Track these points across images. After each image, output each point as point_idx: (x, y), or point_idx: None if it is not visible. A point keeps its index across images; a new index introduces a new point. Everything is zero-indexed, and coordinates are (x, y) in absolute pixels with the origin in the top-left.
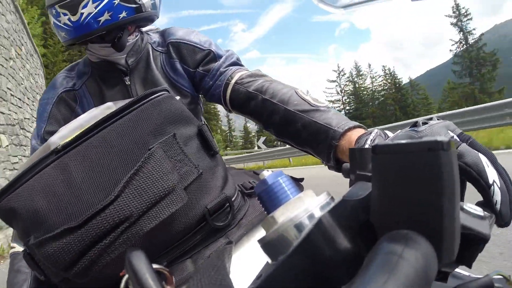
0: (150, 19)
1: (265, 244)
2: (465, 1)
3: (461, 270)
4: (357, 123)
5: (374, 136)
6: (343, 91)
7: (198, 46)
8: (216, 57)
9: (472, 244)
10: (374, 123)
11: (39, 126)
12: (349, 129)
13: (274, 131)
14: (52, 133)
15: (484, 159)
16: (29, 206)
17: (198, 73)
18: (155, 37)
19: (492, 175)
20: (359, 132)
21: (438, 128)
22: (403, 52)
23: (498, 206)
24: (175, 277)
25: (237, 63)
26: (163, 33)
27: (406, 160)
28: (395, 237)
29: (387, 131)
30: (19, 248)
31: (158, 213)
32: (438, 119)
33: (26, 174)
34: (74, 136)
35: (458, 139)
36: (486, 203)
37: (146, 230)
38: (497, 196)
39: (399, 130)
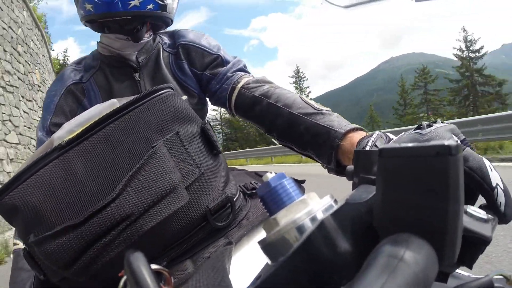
0: (166, 22)
1: (265, 245)
2: (368, 35)
3: (461, 271)
4: (358, 126)
5: (376, 138)
6: (222, 117)
7: (207, 50)
8: (223, 62)
9: (474, 246)
10: (240, 145)
11: (44, 117)
12: (350, 130)
13: (277, 135)
14: (58, 125)
15: (487, 163)
16: (30, 203)
17: (205, 76)
18: (165, 38)
19: (495, 178)
20: (361, 134)
21: (442, 131)
22: (306, 73)
23: (502, 207)
24: (175, 277)
25: (243, 69)
26: (173, 35)
27: (413, 164)
28: (396, 240)
29: (389, 134)
30: (22, 245)
31: (159, 211)
32: (442, 122)
33: (29, 170)
34: (77, 132)
35: (462, 144)
36: (490, 205)
37: (147, 229)
38: (501, 198)
39: (403, 132)
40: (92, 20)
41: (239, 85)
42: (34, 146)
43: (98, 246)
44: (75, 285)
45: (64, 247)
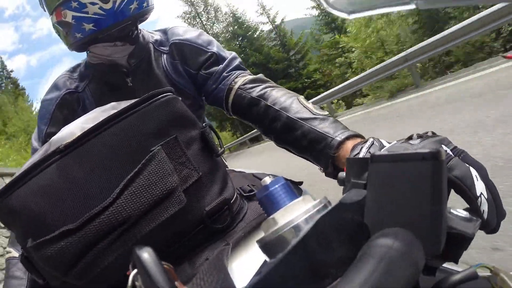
0: (148, 15)
1: (264, 244)
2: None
3: (448, 265)
4: (354, 132)
5: (369, 144)
6: None
7: (201, 47)
8: (219, 59)
9: (458, 243)
10: None
11: (40, 127)
12: (346, 138)
13: (274, 138)
14: (54, 134)
15: (474, 173)
16: (29, 207)
17: (200, 76)
18: (157, 36)
19: (480, 187)
20: (356, 141)
21: (431, 143)
22: None
23: (485, 215)
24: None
25: (240, 67)
26: (166, 32)
27: (401, 168)
28: (386, 233)
29: (382, 140)
30: (15, 253)
31: (156, 215)
32: (433, 133)
33: (27, 174)
34: (76, 136)
35: (451, 153)
36: (473, 211)
37: (145, 232)
38: (484, 206)
39: (395, 141)
40: (92, 40)
41: (236, 86)
42: None
43: (96, 250)
44: None
45: (62, 252)
